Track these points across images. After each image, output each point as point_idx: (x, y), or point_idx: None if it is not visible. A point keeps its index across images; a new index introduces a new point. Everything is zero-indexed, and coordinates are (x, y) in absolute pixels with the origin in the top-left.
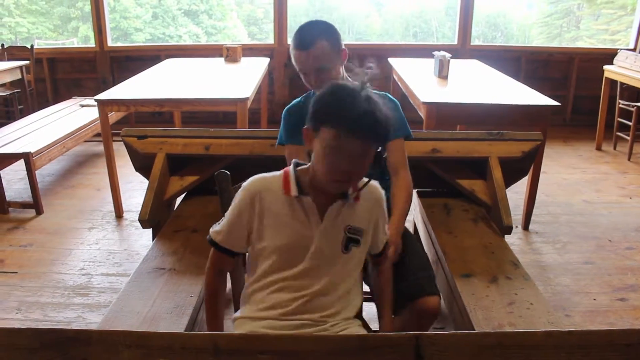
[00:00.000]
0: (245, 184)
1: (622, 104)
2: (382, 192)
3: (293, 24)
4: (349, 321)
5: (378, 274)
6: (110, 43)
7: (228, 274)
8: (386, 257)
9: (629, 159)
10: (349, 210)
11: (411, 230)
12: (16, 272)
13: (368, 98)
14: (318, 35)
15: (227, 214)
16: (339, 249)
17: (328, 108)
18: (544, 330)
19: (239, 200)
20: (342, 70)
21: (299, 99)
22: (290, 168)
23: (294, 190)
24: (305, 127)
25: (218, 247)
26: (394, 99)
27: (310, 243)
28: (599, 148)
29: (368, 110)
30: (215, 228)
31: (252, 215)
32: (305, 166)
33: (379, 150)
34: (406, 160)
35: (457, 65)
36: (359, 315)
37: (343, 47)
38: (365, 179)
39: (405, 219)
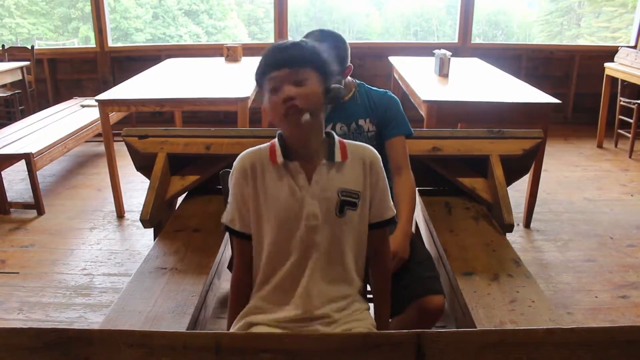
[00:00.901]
0: (235, 162)
1: (623, 102)
2: (377, 155)
3: (293, 24)
4: (358, 304)
5: (375, 269)
6: (110, 43)
7: None
8: (385, 233)
9: (630, 157)
10: (340, 173)
11: (413, 228)
12: (18, 273)
13: (283, 42)
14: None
15: (230, 198)
16: (333, 212)
17: (257, 69)
18: (545, 327)
19: (234, 180)
20: (342, 84)
21: None
22: (276, 138)
23: (279, 158)
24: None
25: (239, 235)
26: (394, 96)
27: (302, 208)
28: (600, 146)
29: (288, 43)
30: (227, 217)
31: (248, 189)
32: None
33: (330, 83)
34: (408, 158)
35: (457, 64)
36: (362, 292)
37: (349, 63)
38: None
39: (412, 222)
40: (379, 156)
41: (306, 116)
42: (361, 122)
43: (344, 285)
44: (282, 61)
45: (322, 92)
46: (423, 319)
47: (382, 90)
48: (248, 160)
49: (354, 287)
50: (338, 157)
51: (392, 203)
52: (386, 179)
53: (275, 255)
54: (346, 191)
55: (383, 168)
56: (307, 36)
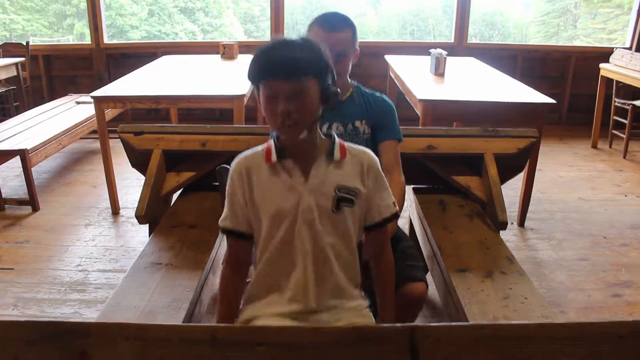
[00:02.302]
0: (232, 164)
1: (618, 102)
2: (376, 159)
3: (290, 22)
4: (359, 301)
5: (379, 266)
6: (106, 40)
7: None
8: (386, 232)
9: (624, 157)
10: (338, 169)
11: (407, 226)
12: (12, 269)
13: (281, 43)
14: (345, 23)
15: (226, 200)
16: (330, 208)
17: (251, 68)
18: (537, 322)
19: (230, 181)
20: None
21: None
22: (271, 138)
23: (273, 156)
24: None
25: (233, 233)
26: (391, 102)
27: (298, 203)
28: (594, 146)
29: (278, 52)
30: (223, 218)
31: (244, 191)
32: None
33: (327, 88)
34: (399, 161)
35: (453, 63)
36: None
37: (357, 47)
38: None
39: (396, 224)
40: (377, 160)
41: (303, 134)
42: (357, 123)
43: (344, 278)
44: (280, 71)
45: (320, 99)
46: (405, 307)
47: (378, 94)
48: (244, 164)
49: (354, 281)
50: (337, 155)
51: (393, 200)
52: (386, 181)
53: (273, 249)
54: (344, 187)
55: (381, 171)
56: (321, 19)
